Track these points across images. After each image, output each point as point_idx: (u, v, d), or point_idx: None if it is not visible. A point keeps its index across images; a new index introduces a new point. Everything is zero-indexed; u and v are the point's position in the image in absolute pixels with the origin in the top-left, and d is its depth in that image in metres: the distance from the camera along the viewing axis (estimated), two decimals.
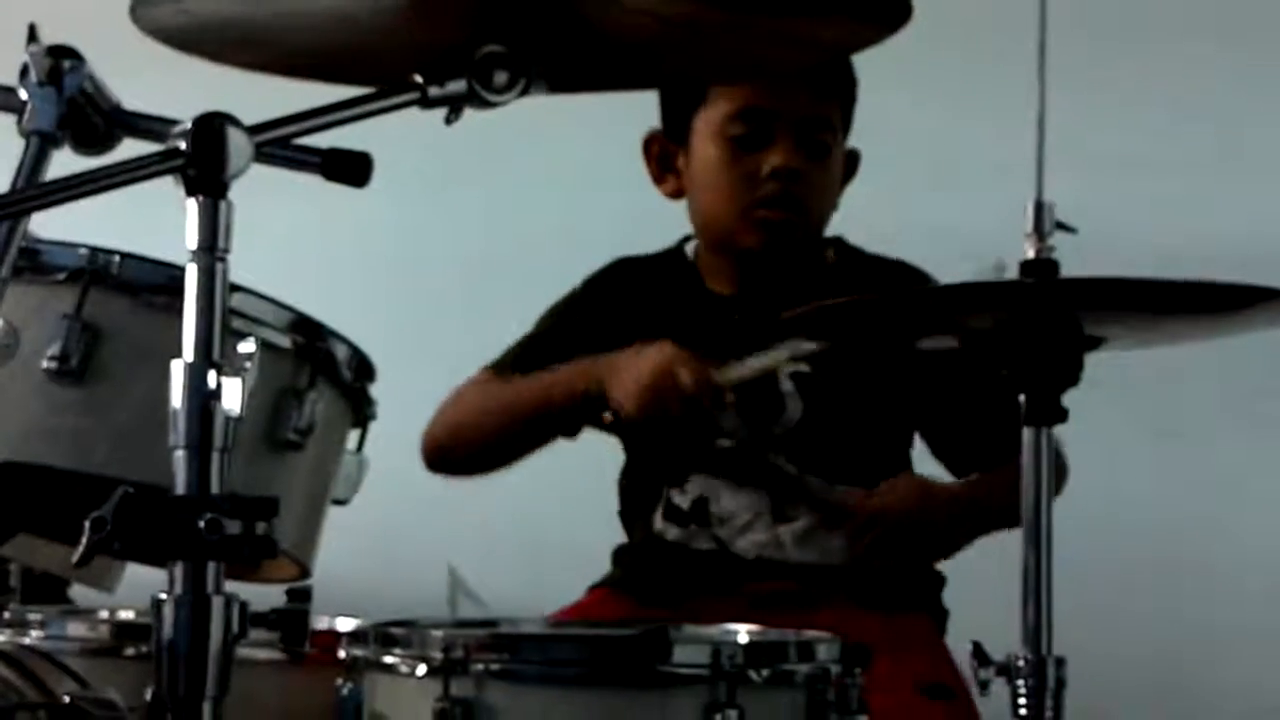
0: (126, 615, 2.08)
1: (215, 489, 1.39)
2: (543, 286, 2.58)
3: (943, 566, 2.51)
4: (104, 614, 2.09)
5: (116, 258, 1.86)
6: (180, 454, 1.40)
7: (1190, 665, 3.16)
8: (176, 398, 1.40)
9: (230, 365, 1.41)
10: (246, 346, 1.43)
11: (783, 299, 2.21)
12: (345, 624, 2.00)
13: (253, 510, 1.40)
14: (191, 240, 1.42)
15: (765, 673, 1.75)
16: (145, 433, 1.73)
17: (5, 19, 1.83)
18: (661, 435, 2.40)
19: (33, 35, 1.69)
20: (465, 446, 2.51)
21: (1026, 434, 1.87)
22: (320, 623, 1.99)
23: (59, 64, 1.68)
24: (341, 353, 1.97)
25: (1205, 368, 2.98)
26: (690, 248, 2.58)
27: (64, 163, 1.64)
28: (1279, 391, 3.13)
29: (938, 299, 2.07)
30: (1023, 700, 1.84)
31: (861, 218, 2.53)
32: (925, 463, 2.55)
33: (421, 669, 1.76)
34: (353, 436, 2.07)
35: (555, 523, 3.23)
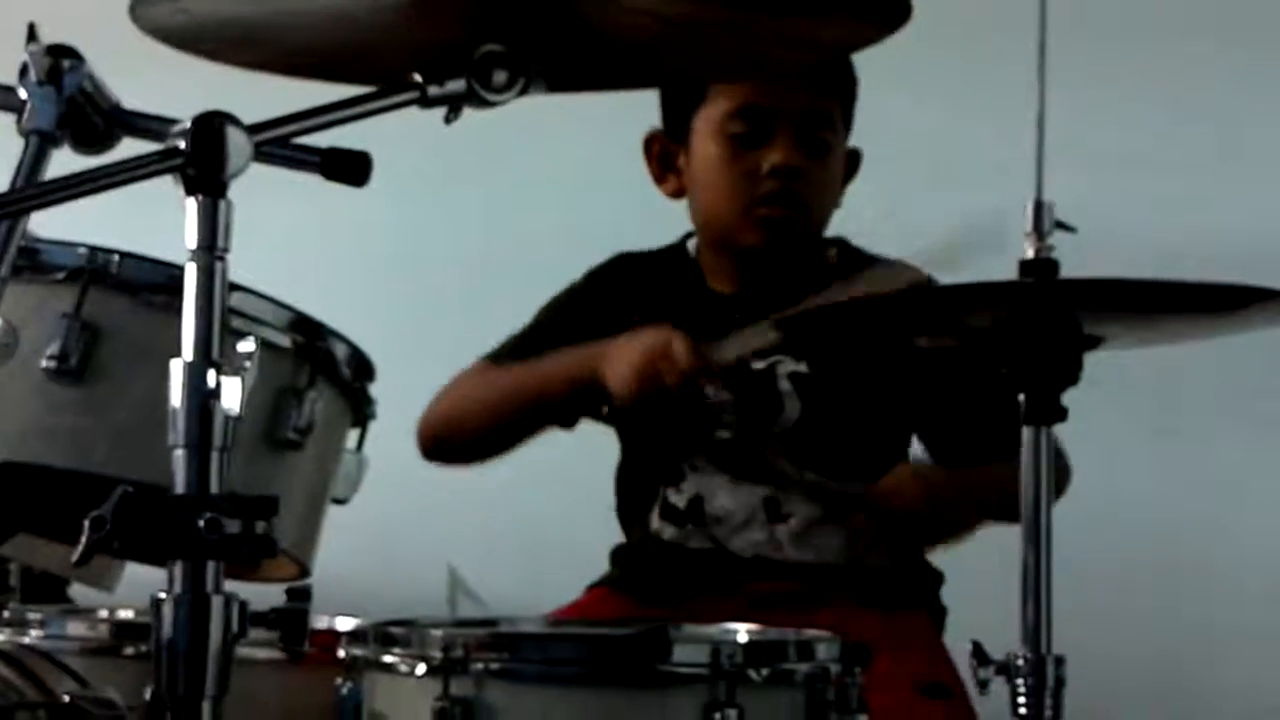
0: (126, 614, 2.07)
1: (215, 488, 1.39)
2: (542, 285, 2.58)
3: (942, 565, 2.51)
4: (103, 613, 2.09)
5: (116, 257, 1.86)
6: (180, 453, 1.39)
7: (1190, 665, 3.16)
8: (176, 397, 1.40)
9: (230, 364, 1.41)
10: (246, 346, 1.43)
11: (783, 298, 2.21)
12: (345, 623, 2.00)
13: (252, 509, 1.40)
14: (191, 239, 1.42)
15: (765, 672, 1.75)
16: (144, 432, 1.73)
17: (5, 19, 1.83)
18: (657, 423, 2.40)
19: (32, 35, 1.69)
20: (461, 434, 2.50)
21: (1026, 433, 1.87)
22: (320, 622, 1.99)
23: (58, 63, 1.68)
24: (341, 352, 1.97)
25: (1204, 367, 2.98)
26: (693, 244, 2.58)
27: (63, 162, 1.64)
28: (1279, 391, 3.13)
29: (937, 299, 2.07)
30: (1022, 699, 1.83)
31: (861, 218, 2.53)
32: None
33: (421, 668, 1.76)
34: (352, 436, 2.07)
35: (555, 522, 3.22)
